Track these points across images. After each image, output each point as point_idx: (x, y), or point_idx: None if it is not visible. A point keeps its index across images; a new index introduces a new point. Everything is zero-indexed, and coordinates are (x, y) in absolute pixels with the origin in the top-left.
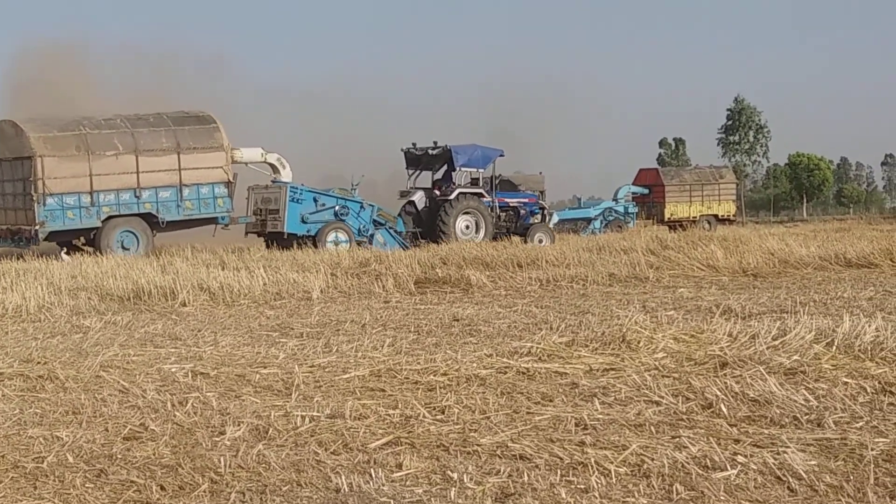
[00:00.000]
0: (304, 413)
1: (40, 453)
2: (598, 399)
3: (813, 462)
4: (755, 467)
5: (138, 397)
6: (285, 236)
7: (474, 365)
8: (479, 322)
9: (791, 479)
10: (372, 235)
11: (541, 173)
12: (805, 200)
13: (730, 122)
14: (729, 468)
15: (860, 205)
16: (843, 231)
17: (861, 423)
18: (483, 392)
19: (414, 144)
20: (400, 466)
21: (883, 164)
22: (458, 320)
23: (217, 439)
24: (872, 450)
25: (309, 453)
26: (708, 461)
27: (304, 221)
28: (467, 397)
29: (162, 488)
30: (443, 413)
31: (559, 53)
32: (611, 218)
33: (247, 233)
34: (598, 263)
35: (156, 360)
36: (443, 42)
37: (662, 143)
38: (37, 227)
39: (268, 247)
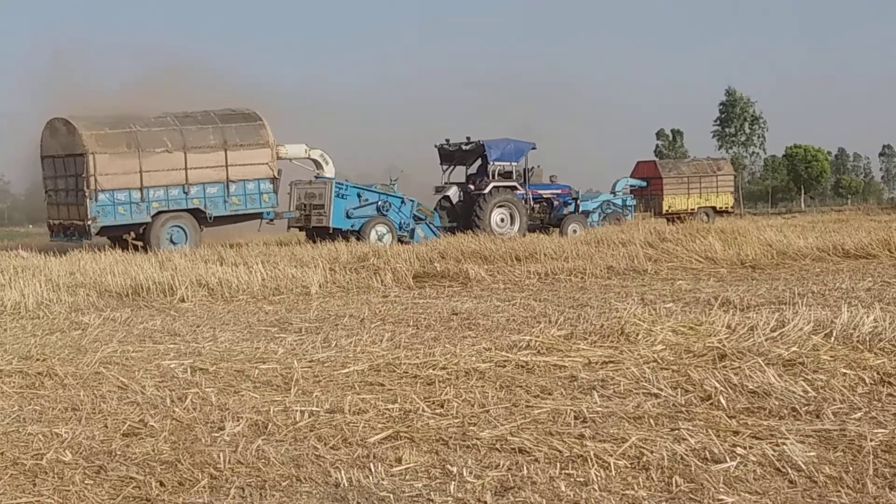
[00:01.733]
0: (303, 408)
1: (39, 450)
2: (597, 392)
3: (812, 453)
4: (754, 459)
5: (137, 393)
6: (331, 231)
7: (473, 359)
8: (478, 316)
9: (790, 471)
10: (413, 230)
11: (539, 167)
12: (803, 192)
13: (723, 115)
14: (728, 460)
15: (858, 196)
16: (841, 222)
17: (860, 414)
18: (482, 386)
19: (447, 140)
20: (399, 461)
21: (881, 154)
22: (456, 314)
23: (216, 435)
24: (871, 440)
25: (308, 448)
26: (707, 453)
27: (348, 216)
28: (466, 391)
29: (161, 484)
30: (442, 407)
31: (555, 47)
32: (609, 211)
33: (289, 227)
34: (596, 256)
35: (155, 356)
36: (438, 41)
37: (660, 135)
38: (89, 223)
39: (310, 240)
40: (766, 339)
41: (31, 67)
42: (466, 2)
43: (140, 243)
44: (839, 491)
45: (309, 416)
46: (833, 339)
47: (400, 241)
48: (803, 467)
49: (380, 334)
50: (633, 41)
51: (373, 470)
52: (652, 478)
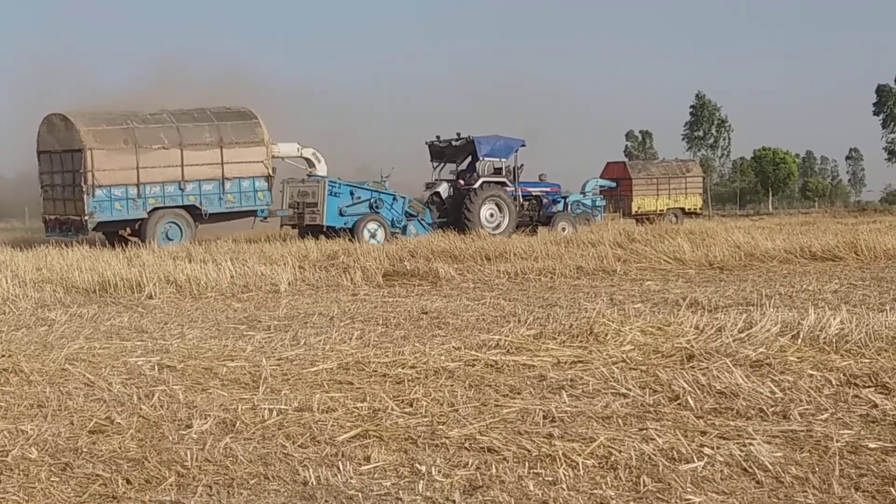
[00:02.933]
0: (271, 406)
1: (4, 447)
2: (566, 391)
3: (779, 454)
4: (721, 459)
5: (104, 390)
6: (324, 229)
7: (442, 358)
8: (448, 315)
9: (757, 471)
10: (405, 227)
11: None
12: (770, 194)
13: (693, 118)
14: (696, 460)
15: (825, 198)
16: (808, 224)
17: (826, 415)
18: (451, 385)
19: (437, 137)
20: (368, 459)
21: (847, 158)
22: (426, 313)
23: (184, 433)
24: (837, 441)
25: (276, 446)
26: (675, 453)
27: (341, 214)
28: (435, 390)
29: (128, 482)
30: (411, 406)
31: (524, 48)
32: (578, 211)
33: (282, 224)
34: (565, 256)
35: (122, 352)
36: (413, 44)
37: (629, 136)
38: (86, 218)
39: (302, 238)
40: (733, 340)
41: (23, 65)
42: (437, 2)
43: (136, 239)
44: (805, 491)
45: (277, 415)
46: (800, 340)
47: (393, 237)
48: (770, 468)
49: (349, 333)
50: (603, 43)
51: (341, 468)
52: (620, 477)
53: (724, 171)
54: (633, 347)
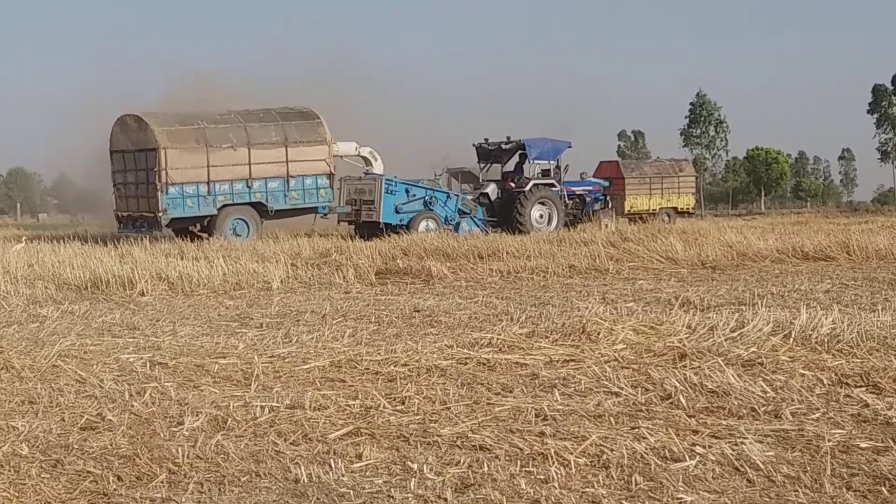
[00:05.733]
0: (263, 403)
1: None
2: (558, 390)
3: (770, 453)
4: (713, 458)
5: (95, 387)
6: (381, 226)
7: (435, 356)
8: (440, 313)
9: (749, 470)
10: (458, 224)
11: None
12: (763, 194)
13: (692, 116)
14: (687, 459)
15: (817, 198)
16: (800, 224)
17: (818, 415)
18: (443, 383)
19: (486, 139)
20: (360, 457)
21: (840, 158)
22: (418, 311)
23: (175, 430)
24: (829, 441)
25: (268, 444)
26: (667, 452)
27: (397, 211)
28: (427, 388)
29: (119, 479)
30: (403, 404)
31: (517, 48)
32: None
33: (339, 221)
34: (558, 255)
35: (113, 349)
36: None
37: (621, 136)
38: (160, 214)
39: (358, 235)
40: (725, 340)
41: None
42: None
43: (205, 235)
44: (797, 490)
45: (269, 412)
46: (792, 340)
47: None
48: (762, 467)
49: (341, 330)
50: (596, 43)
51: (333, 466)
52: (612, 476)
53: (717, 171)
54: (625, 346)
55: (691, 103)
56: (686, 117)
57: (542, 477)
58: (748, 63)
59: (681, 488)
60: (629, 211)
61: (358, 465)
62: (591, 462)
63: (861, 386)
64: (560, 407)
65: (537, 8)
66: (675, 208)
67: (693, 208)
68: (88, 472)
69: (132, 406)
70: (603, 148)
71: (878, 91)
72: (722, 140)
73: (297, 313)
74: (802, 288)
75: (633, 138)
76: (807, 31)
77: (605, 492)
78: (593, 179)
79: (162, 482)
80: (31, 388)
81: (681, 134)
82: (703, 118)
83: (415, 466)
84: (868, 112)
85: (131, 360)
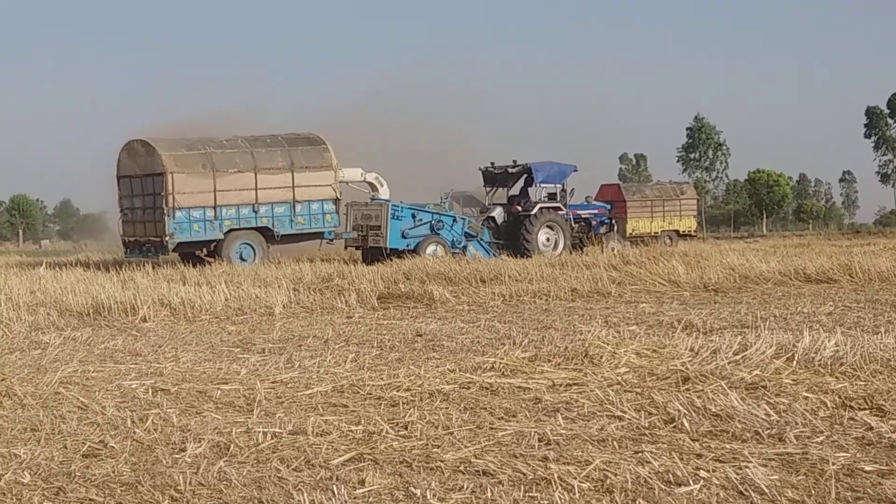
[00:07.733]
0: (265, 429)
1: None
2: (562, 414)
3: (774, 477)
4: (717, 482)
5: (98, 414)
6: (387, 251)
7: (437, 380)
8: (443, 337)
9: (753, 494)
10: (465, 247)
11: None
12: (765, 216)
13: (690, 140)
14: (691, 483)
15: (819, 221)
16: (802, 246)
17: (822, 438)
18: (446, 407)
19: (492, 163)
20: (363, 483)
21: (841, 180)
22: (421, 335)
23: (177, 456)
24: (833, 464)
25: (271, 470)
26: (670, 476)
27: (403, 236)
28: (430, 413)
29: None
30: (406, 429)
31: (523, 66)
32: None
33: (346, 246)
34: (560, 279)
35: (116, 376)
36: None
37: (623, 159)
38: (167, 238)
39: (365, 260)
40: (728, 363)
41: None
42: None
43: (211, 259)
44: None
45: (271, 438)
46: (795, 362)
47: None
48: (766, 490)
49: (343, 355)
50: (599, 65)
51: (336, 492)
52: (616, 500)
53: (718, 194)
54: (628, 370)
55: (688, 127)
56: (683, 145)
57: (545, 502)
58: (748, 86)
59: None
60: (631, 234)
61: (361, 490)
62: (594, 487)
63: (865, 409)
64: (563, 431)
65: (542, 30)
66: (676, 231)
67: (695, 231)
68: (91, 499)
69: (134, 433)
70: (604, 171)
71: (872, 114)
72: (722, 163)
73: (300, 338)
74: (805, 310)
75: (634, 161)
76: (807, 54)
77: None
78: (598, 203)
79: None
80: (33, 416)
81: (678, 160)
82: (701, 141)
83: (418, 492)
84: (865, 136)
85: (133, 386)
